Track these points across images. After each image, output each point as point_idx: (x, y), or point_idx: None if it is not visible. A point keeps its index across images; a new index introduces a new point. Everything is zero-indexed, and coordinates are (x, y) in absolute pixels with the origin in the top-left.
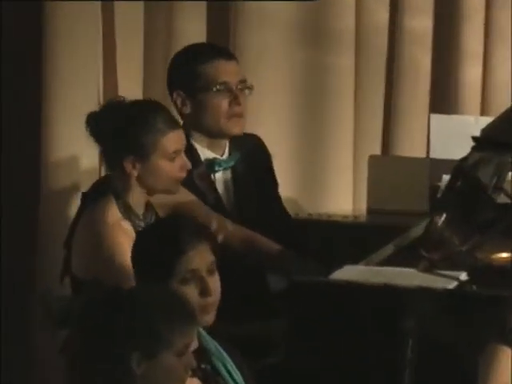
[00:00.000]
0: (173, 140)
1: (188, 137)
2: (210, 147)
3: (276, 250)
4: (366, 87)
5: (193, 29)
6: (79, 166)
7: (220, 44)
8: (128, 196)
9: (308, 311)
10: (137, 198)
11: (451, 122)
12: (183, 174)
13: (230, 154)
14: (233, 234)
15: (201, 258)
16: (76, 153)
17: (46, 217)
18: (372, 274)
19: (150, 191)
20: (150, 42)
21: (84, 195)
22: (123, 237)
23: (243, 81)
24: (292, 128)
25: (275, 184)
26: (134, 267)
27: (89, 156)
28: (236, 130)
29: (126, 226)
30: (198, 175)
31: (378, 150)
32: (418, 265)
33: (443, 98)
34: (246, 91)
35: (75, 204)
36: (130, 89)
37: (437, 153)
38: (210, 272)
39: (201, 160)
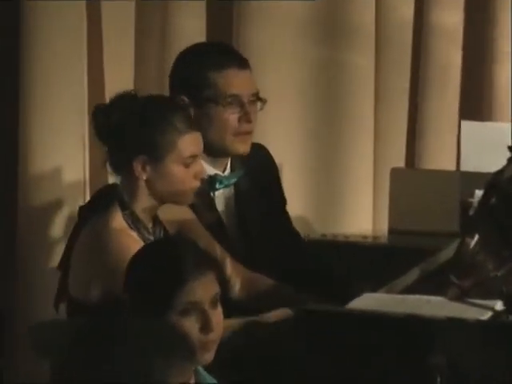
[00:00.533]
0: (190, 143)
1: None
2: (211, 162)
3: (275, 291)
4: (388, 90)
5: (191, 26)
6: (62, 178)
7: (221, 37)
8: (136, 204)
9: (322, 345)
10: (145, 206)
11: (485, 129)
12: (197, 183)
13: (231, 169)
14: (232, 270)
15: (204, 289)
16: (59, 163)
17: (24, 238)
18: (394, 303)
19: (159, 199)
20: (141, 41)
21: (82, 209)
22: (132, 242)
23: (256, 93)
24: (302, 137)
25: (283, 200)
26: (127, 293)
27: (73, 167)
28: (242, 149)
29: (135, 236)
30: (195, 192)
31: (401, 162)
32: (447, 293)
33: (476, 103)
34: (258, 104)
35: (59, 223)
36: (118, 87)
37: (468, 165)
38: (213, 305)
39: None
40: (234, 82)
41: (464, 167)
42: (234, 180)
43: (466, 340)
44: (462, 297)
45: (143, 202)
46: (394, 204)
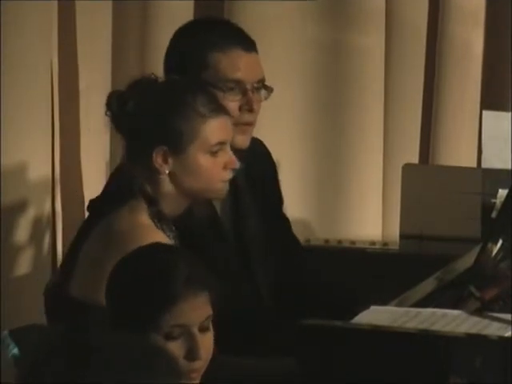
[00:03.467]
0: (217, 128)
1: None
2: None
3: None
4: (400, 76)
5: (176, 3)
6: (28, 175)
7: None
8: (162, 201)
9: (324, 363)
10: (171, 205)
11: (510, 121)
12: (229, 174)
13: None
14: None
15: (194, 311)
16: (23, 159)
17: None
18: (407, 318)
19: (188, 195)
20: (119, 24)
21: (94, 202)
22: (162, 238)
23: (261, 80)
24: (303, 130)
25: (280, 201)
26: (107, 308)
27: (40, 163)
28: (241, 141)
29: (162, 234)
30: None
31: (414, 158)
32: (466, 306)
33: (499, 91)
34: (263, 93)
35: (23, 225)
36: (94, 79)
37: (491, 161)
38: (204, 329)
39: None
40: (238, 64)
41: (486, 164)
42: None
43: (486, 359)
44: (482, 310)
45: (169, 199)
46: (406, 205)
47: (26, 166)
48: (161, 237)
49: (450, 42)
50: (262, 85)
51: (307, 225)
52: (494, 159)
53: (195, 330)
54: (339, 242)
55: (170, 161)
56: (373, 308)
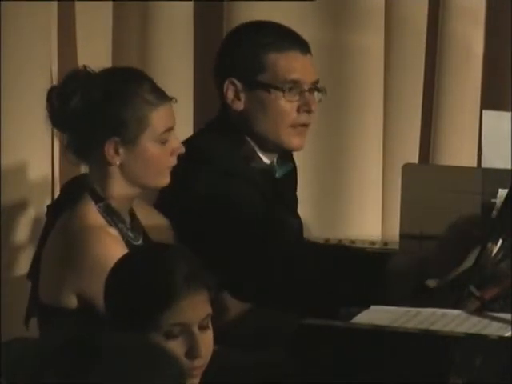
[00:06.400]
0: (165, 115)
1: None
2: (261, 153)
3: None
4: (400, 75)
5: (176, 3)
6: (28, 175)
7: (211, 23)
8: (110, 194)
9: (324, 363)
10: (121, 195)
11: (510, 121)
12: (174, 160)
13: (277, 162)
14: None
15: (194, 310)
16: (25, 158)
17: None
18: (406, 318)
19: (135, 184)
20: (119, 25)
21: (50, 207)
22: (112, 242)
23: (316, 81)
24: None
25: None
26: (105, 307)
27: (40, 163)
28: (297, 143)
29: (114, 233)
30: (260, 175)
31: (414, 158)
32: (466, 305)
33: (499, 90)
34: (316, 94)
35: (24, 225)
36: None
37: (491, 161)
38: (203, 327)
39: (261, 159)
40: (296, 66)
41: (486, 163)
42: (280, 173)
43: (486, 359)
44: (482, 310)
45: (118, 190)
46: (406, 205)
47: (26, 165)
48: (111, 239)
49: (450, 42)
50: (316, 86)
51: (307, 224)
52: (494, 159)
53: (195, 329)
54: (339, 241)
55: (121, 151)
56: (373, 308)
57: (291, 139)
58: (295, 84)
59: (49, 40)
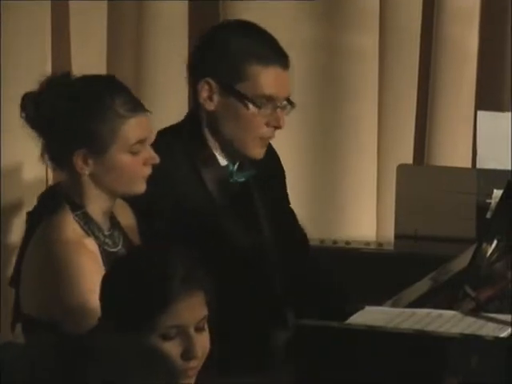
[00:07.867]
0: (136, 127)
1: (203, 135)
2: (222, 154)
3: None
4: (394, 76)
5: (171, 3)
6: (23, 176)
7: (207, 23)
8: (86, 203)
9: (318, 364)
10: (97, 204)
11: (505, 121)
12: (148, 170)
13: (239, 166)
14: None
15: (190, 311)
16: (19, 160)
17: None
18: (401, 318)
19: (109, 193)
20: (113, 24)
21: (30, 214)
22: (88, 259)
23: (288, 97)
24: (296, 131)
25: (287, 199)
26: (101, 309)
27: (36, 163)
28: (259, 153)
29: (91, 245)
30: (214, 178)
31: (409, 159)
32: (461, 306)
33: (494, 91)
34: (288, 108)
35: (18, 226)
36: None
37: (486, 161)
38: (199, 329)
39: (218, 162)
40: (276, 82)
41: (480, 164)
42: (242, 178)
43: (482, 360)
44: (478, 311)
45: (93, 199)
46: (401, 206)
47: (21, 167)
48: (88, 255)
49: (444, 42)
50: (289, 100)
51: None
52: (489, 159)
53: (191, 331)
54: (334, 242)
55: (91, 162)
56: (368, 308)
57: (256, 149)
58: (270, 99)
59: (43, 40)
